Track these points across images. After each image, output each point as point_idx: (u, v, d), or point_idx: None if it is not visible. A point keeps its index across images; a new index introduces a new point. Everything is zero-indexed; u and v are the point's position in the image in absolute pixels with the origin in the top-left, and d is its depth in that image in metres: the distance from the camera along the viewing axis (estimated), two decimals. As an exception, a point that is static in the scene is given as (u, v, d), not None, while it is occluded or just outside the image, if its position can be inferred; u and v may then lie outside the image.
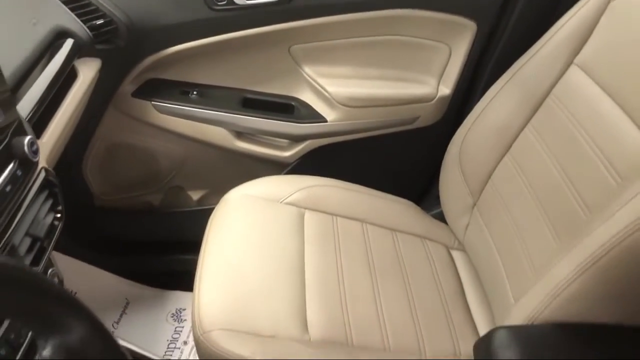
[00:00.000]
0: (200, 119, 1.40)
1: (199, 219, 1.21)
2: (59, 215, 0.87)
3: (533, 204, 0.97)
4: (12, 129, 0.78)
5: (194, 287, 1.02)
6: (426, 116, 1.42)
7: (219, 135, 1.42)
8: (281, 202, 1.22)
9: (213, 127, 1.41)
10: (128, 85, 1.36)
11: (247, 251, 1.08)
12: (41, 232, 0.81)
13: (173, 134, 1.43)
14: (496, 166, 1.11)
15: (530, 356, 0.77)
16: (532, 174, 1.01)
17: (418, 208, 1.33)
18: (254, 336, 0.92)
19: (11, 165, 0.76)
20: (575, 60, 0.99)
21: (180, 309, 1.56)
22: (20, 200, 0.78)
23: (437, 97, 1.39)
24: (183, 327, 1.51)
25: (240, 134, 1.45)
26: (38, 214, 0.82)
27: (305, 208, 1.22)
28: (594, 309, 0.76)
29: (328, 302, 1.02)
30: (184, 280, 1.30)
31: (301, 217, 1.20)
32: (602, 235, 0.73)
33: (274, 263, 1.07)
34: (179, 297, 1.59)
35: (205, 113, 1.39)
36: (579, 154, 0.90)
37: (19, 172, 0.77)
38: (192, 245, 1.22)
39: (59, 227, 0.87)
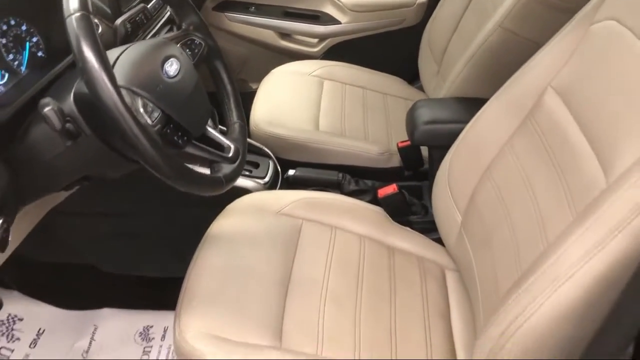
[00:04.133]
0: (257, 24, 2.11)
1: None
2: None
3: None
4: None
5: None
6: (409, 19, 2.07)
7: (269, 36, 2.13)
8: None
9: (265, 30, 2.12)
10: (209, 3, 2.07)
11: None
12: None
13: (239, 37, 2.14)
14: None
15: None
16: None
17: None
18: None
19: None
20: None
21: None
22: None
23: (417, 3, 2.04)
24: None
25: (283, 35, 2.14)
26: None
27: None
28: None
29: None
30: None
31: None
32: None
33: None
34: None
35: (260, 20, 2.10)
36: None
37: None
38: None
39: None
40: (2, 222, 0.84)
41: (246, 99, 1.40)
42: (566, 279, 0.78)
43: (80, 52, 0.77)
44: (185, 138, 0.94)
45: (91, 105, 0.88)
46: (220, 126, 1.16)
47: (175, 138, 0.92)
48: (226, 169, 1.01)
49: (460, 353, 1.11)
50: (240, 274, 1.13)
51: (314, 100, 1.80)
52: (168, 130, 0.90)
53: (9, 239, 0.86)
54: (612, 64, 0.94)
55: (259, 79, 1.98)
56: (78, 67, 0.78)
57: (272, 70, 1.94)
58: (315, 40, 2.16)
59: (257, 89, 1.95)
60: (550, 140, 1.01)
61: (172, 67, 0.93)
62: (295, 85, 1.86)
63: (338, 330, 1.07)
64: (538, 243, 0.91)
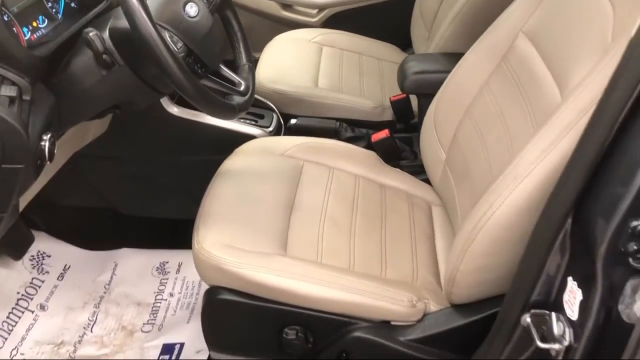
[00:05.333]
0: (259, -6, 2.26)
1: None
2: None
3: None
4: None
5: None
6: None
7: (272, 7, 2.28)
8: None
9: (267, 1, 2.27)
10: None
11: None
12: None
13: (243, 7, 2.28)
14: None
15: None
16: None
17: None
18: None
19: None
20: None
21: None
22: None
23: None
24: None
25: (285, 6, 2.30)
26: None
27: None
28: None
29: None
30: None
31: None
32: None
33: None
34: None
35: (262, -10, 2.25)
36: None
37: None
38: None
39: None
40: (50, 137, 0.99)
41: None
42: (525, 176, 0.94)
43: None
44: (204, 70, 1.09)
45: (125, 39, 1.03)
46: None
47: (196, 68, 1.07)
48: (238, 99, 1.16)
49: (442, 267, 1.25)
50: (249, 199, 1.29)
51: (314, 63, 1.95)
52: (190, 60, 1.05)
53: (55, 151, 1.01)
54: (572, 7, 1.09)
55: (261, 48, 2.11)
56: (120, 3, 0.93)
57: (275, 38, 2.09)
58: (315, 11, 2.30)
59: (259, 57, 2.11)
60: (520, 76, 1.17)
61: (192, 9, 1.08)
62: (296, 50, 2.01)
63: (335, 244, 1.22)
64: (507, 159, 1.06)
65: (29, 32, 1.08)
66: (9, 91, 0.92)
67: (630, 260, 0.74)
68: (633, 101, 0.71)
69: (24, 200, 1.20)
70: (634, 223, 0.72)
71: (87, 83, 1.06)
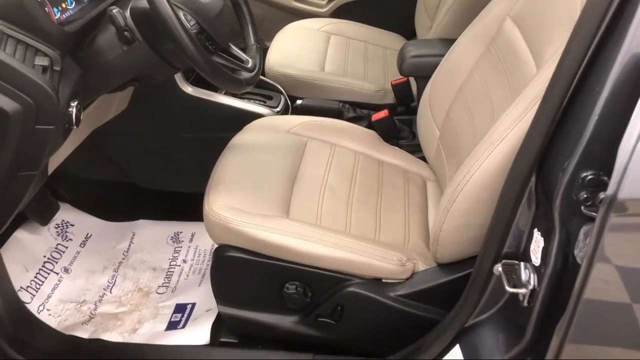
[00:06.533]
0: (272, -13, 2.38)
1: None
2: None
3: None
4: None
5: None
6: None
7: (284, -1, 2.40)
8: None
9: (279, -8, 2.39)
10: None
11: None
12: None
13: (255, -1, 2.41)
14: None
15: None
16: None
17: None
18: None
19: None
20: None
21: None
22: None
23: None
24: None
25: (297, -3, 2.42)
26: None
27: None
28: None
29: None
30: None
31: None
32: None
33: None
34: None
35: (275, -17, 2.37)
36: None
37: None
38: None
39: None
40: (77, 104, 1.12)
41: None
42: (500, 141, 1.05)
43: None
44: (214, 47, 1.21)
45: (144, 18, 1.15)
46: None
47: (207, 44, 1.18)
48: (245, 75, 1.27)
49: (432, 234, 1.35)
50: (256, 169, 1.40)
51: (321, 50, 2.06)
52: (202, 37, 1.17)
53: (81, 117, 1.14)
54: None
55: (273, 36, 2.22)
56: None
57: (285, 26, 2.20)
58: (324, 2, 2.42)
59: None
60: (505, 56, 1.29)
61: (204, -9, 1.20)
62: (305, 38, 2.12)
63: (333, 210, 1.33)
64: (489, 129, 1.17)
65: (59, 12, 1.20)
66: (42, 61, 1.04)
67: (583, 208, 0.84)
68: (584, 67, 0.82)
69: (51, 166, 1.32)
70: (584, 174, 0.82)
71: (109, 57, 1.18)
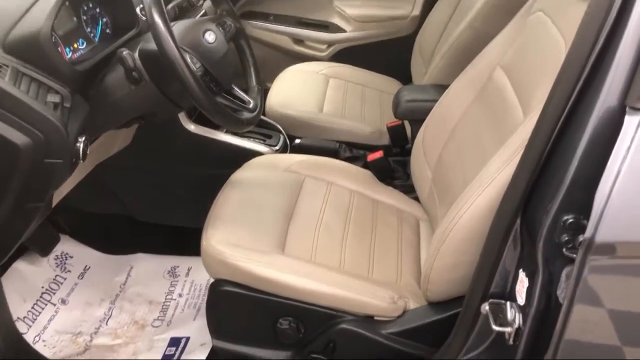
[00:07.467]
0: (274, 31, 2.47)
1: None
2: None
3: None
4: None
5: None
6: (404, 29, 2.42)
7: (285, 41, 2.49)
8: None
9: (281, 36, 2.49)
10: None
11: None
12: None
13: (259, 41, 2.49)
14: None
15: None
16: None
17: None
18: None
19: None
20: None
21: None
22: None
23: (411, 16, 2.38)
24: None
25: (297, 41, 2.50)
26: None
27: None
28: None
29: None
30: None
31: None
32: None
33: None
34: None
35: (278, 28, 2.46)
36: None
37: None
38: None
39: None
40: (85, 139, 1.17)
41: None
42: (488, 184, 1.09)
43: (152, 16, 1.11)
44: (218, 88, 1.27)
45: (152, 59, 1.21)
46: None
47: (211, 85, 1.24)
48: (247, 115, 1.33)
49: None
50: (254, 205, 1.45)
51: (320, 92, 2.13)
52: (207, 79, 1.23)
53: (87, 152, 1.19)
54: (538, 42, 1.26)
55: (274, 78, 2.29)
56: (150, 25, 1.11)
57: (286, 69, 2.28)
58: (324, 46, 2.51)
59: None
60: (494, 103, 1.34)
61: (210, 36, 1.27)
62: (305, 80, 2.19)
63: (328, 247, 1.36)
64: (479, 172, 1.22)
65: (71, 52, 1.27)
66: (54, 98, 1.09)
67: (564, 250, 0.88)
68: (565, 117, 0.87)
69: (56, 198, 1.37)
70: (565, 217, 0.87)
71: (117, 95, 1.24)
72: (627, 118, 0.79)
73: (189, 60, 1.19)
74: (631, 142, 0.78)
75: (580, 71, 0.82)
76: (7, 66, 1.03)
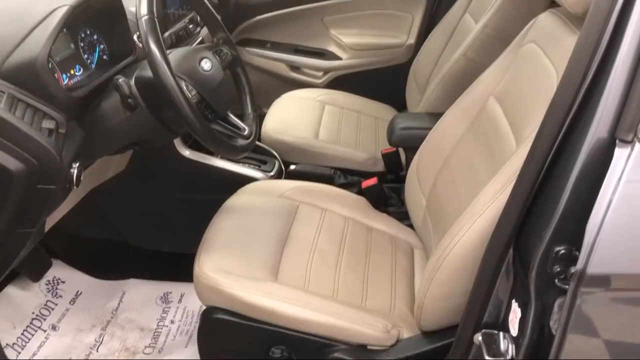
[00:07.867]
0: (271, 58, 2.49)
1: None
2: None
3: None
4: None
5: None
6: (399, 57, 2.44)
7: (281, 68, 2.51)
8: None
9: (278, 63, 2.51)
10: (233, 39, 2.45)
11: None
12: None
13: (256, 68, 2.51)
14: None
15: None
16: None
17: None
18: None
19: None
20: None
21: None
22: None
23: (406, 44, 2.41)
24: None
25: (293, 68, 2.52)
26: None
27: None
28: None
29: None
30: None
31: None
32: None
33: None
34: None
35: (274, 55, 2.48)
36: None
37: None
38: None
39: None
40: (79, 165, 1.17)
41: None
42: (480, 214, 1.09)
43: (148, 44, 1.12)
44: (213, 115, 1.28)
45: (148, 86, 1.22)
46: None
47: (207, 113, 1.25)
48: (242, 142, 1.34)
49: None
50: (248, 231, 1.44)
51: (316, 118, 2.15)
52: (202, 106, 1.24)
53: (81, 178, 1.19)
54: (530, 73, 1.27)
55: (270, 104, 2.32)
56: (146, 53, 1.12)
57: (282, 95, 2.30)
58: (320, 73, 2.53)
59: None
60: (488, 132, 1.35)
61: (206, 64, 1.28)
62: (301, 106, 2.21)
63: (322, 275, 1.36)
64: (472, 201, 1.22)
65: (67, 78, 1.27)
66: (49, 124, 1.09)
67: (556, 281, 0.88)
68: (556, 147, 0.88)
69: (48, 223, 1.36)
70: (557, 248, 0.87)
71: (113, 121, 1.24)
72: (617, 150, 0.80)
73: (184, 87, 1.19)
74: (621, 175, 0.79)
75: (571, 103, 0.83)
76: (4, 92, 1.04)
